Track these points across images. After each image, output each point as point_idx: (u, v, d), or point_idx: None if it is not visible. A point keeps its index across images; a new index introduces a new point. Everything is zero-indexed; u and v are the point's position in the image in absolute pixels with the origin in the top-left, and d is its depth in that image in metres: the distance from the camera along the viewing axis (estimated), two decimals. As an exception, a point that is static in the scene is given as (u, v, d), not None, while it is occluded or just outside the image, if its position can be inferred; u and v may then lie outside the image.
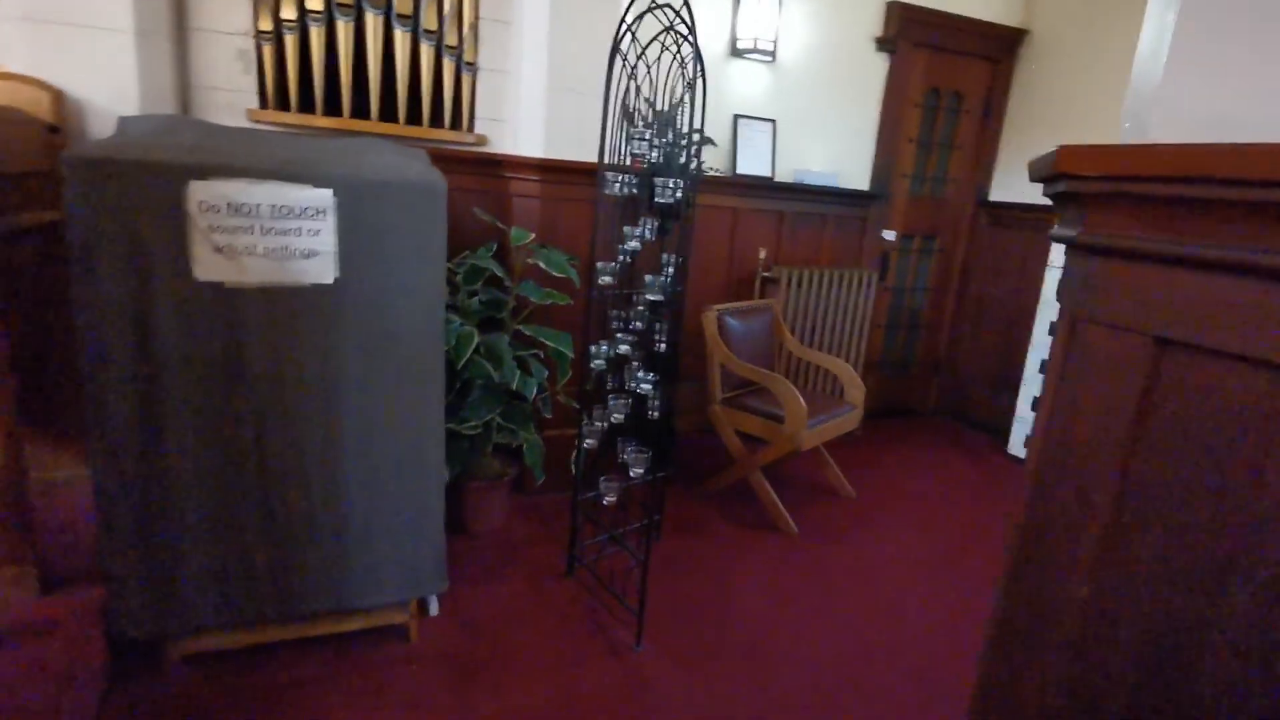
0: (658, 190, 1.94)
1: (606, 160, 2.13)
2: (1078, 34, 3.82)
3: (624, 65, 2.08)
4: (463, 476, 2.50)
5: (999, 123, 4.19)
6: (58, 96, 2.09)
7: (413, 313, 1.75)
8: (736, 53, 3.43)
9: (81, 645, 1.61)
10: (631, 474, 2.04)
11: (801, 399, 2.76)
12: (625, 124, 2.17)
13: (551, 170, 2.68)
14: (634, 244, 2.01)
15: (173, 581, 1.68)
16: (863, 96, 3.82)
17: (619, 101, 2.12)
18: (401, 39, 2.55)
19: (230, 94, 2.47)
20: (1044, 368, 3.67)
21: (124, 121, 1.74)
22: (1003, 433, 4.01)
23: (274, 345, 1.63)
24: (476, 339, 2.20)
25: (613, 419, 2.10)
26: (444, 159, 2.56)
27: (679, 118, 2.13)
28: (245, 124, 2.50)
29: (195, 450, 1.62)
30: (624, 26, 2.01)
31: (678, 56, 2.07)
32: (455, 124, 2.74)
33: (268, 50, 2.44)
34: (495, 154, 2.74)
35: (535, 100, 2.66)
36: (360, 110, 2.60)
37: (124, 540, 1.62)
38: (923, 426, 4.40)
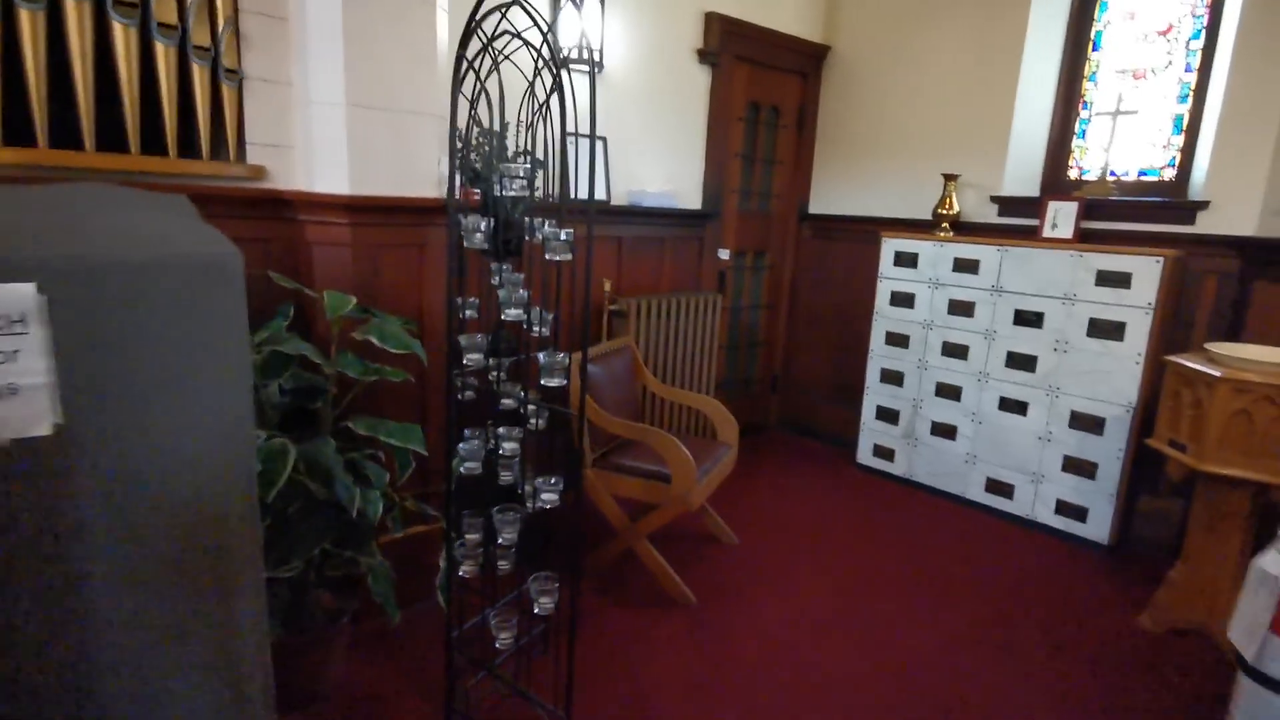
0: (540, 237, 1.48)
1: (448, 195, 1.62)
2: (874, 51, 3.93)
3: (472, 75, 1.59)
4: (285, 632, 1.84)
5: (812, 137, 4.23)
6: None
7: (201, 462, 1.13)
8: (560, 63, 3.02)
9: None
10: (537, 609, 1.57)
11: (688, 453, 2.43)
12: (463, 148, 1.68)
13: (366, 210, 2.08)
14: (516, 311, 1.52)
15: None
16: (690, 111, 3.61)
17: (469, 118, 1.63)
18: (124, 36, 1.80)
19: None
20: (885, 377, 3.72)
21: None
22: (849, 443, 4.03)
23: (-59, 559, 0.93)
24: (293, 454, 1.58)
25: (503, 538, 1.60)
26: (205, 199, 1.87)
27: (522, 140, 1.69)
28: None
29: None
30: (473, 23, 1.52)
31: (539, 58, 1.64)
32: (217, 152, 2.02)
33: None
34: (280, 191, 2.08)
35: (330, 120, 2.04)
36: (66, 137, 1.79)
37: None
38: (769, 443, 4.32)
